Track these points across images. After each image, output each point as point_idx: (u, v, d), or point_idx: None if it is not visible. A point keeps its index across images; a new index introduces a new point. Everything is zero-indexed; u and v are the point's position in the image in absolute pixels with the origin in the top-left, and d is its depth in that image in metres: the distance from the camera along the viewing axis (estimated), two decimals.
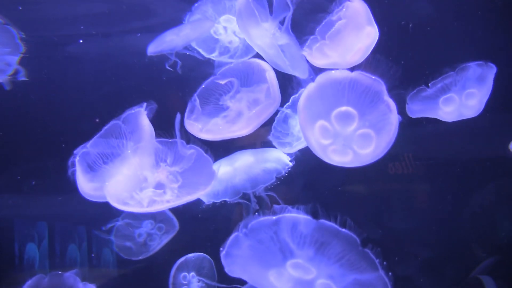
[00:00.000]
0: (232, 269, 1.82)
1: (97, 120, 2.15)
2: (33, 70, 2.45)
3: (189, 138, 2.05)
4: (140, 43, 2.34)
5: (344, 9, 1.96)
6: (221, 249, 1.79)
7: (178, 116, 1.99)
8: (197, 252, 2.56)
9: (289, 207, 1.70)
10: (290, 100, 2.30)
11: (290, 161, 2.34)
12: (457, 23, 2.66)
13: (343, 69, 1.85)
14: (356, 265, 1.67)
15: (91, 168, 1.95)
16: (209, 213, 2.37)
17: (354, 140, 1.86)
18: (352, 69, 1.83)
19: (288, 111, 2.32)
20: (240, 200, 2.31)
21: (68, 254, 2.66)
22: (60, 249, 2.66)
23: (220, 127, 2.10)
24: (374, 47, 2.01)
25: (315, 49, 1.99)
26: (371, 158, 1.89)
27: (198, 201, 2.26)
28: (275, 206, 1.71)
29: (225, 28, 2.34)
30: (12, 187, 2.58)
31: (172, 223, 2.58)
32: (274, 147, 2.37)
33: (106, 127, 1.96)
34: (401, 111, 1.96)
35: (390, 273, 1.65)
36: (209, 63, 2.37)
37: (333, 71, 1.83)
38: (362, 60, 2.00)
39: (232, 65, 2.20)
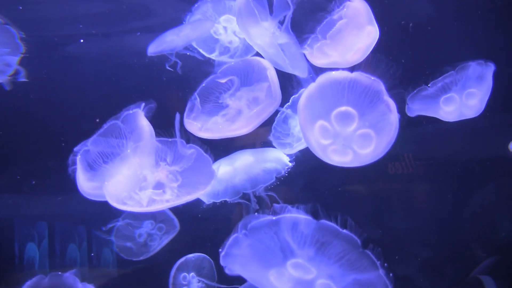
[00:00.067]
0: (232, 268, 1.82)
1: (97, 120, 2.15)
2: (33, 70, 2.45)
3: (189, 138, 2.05)
4: (140, 43, 2.34)
5: (345, 9, 1.96)
6: (220, 250, 1.79)
7: (178, 115, 1.99)
8: (197, 252, 2.56)
9: (289, 207, 1.70)
10: (290, 100, 2.29)
11: (290, 161, 2.34)
12: (457, 23, 2.66)
13: (343, 68, 1.85)
14: (356, 265, 1.67)
15: (91, 167, 1.95)
16: (209, 213, 2.36)
17: (354, 140, 1.86)
18: (352, 68, 1.83)
19: (288, 111, 2.32)
20: (240, 200, 2.31)
21: (68, 254, 2.66)
22: (60, 249, 2.66)
23: (219, 126, 2.10)
24: (375, 47, 2.02)
25: (316, 49, 1.99)
26: (371, 158, 1.90)
27: (198, 201, 2.26)
28: (275, 205, 1.71)
29: (225, 28, 2.35)
30: (12, 187, 2.58)
31: (173, 223, 2.57)
32: (274, 147, 2.37)
33: (105, 127, 1.96)
34: (401, 111, 1.96)
35: (390, 273, 1.65)
36: (209, 63, 2.37)
37: (333, 72, 1.84)
38: (362, 59, 2.00)
39: (232, 63, 2.21)
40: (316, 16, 2.02)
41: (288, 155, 2.36)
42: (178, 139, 2.01)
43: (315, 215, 1.67)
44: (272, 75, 2.05)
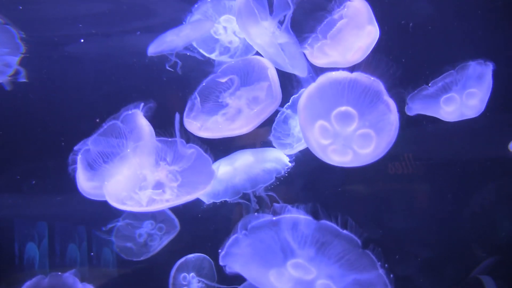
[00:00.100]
0: (232, 267, 1.82)
1: (97, 120, 2.15)
2: (33, 70, 2.45)
3: (189, 138, 2.05)
4: (140, 43, 2.34)
5: (345, 8, 1.96)
6: (220, 250, 1.79)
7: (178, 115, 1.99)
8: (197, 252, 2.56)
9: (289, 207, 1.70)
10: (290, 100, 2.29)
11: (290, 161, 2.34)
12: (457, 23, 2.66)
13: (343, 68, 1.85)
14: (356, 265, 1.67)
15: (91, 167, 1.95)
16: (209, 213, 2.36)
17: (354, 140, 1.86)
18: (352, 68, 1.83)
19: (288, 111, 2.32)
20: (240, 200, 2.31)
21: (68, 254, 2.65)
22: (60, 249, 2.66)
23: (219, 125, 2.10)
24: (375, 46, 2.02)
25: (316, 48, 1.99)
26: (371, 158, 1.89)
27: (198, 201, 2.26)
28: (275, 205, 1.71)
29: (225, 28, 2.35)
30: (12, 187, 2.58)
31: (173, 223, 2.57)
32: (274, 147, 2.36)
33: (104, 126, 1.96)
34: (401, 110, 1.96)
35: (390, 274, 1.65)
36: (209, 63, 2.37)
37: (333, 72, 1.84)
38: (362, 59, 2.00)
39: (232, 62, 2.20)
40: (316, 15, 2.02)
41: (288, 155, 2.36)
42: (178, 139, 2.01)
43: (315, 215, 1.67)
44: (273, 74, 2.04)
